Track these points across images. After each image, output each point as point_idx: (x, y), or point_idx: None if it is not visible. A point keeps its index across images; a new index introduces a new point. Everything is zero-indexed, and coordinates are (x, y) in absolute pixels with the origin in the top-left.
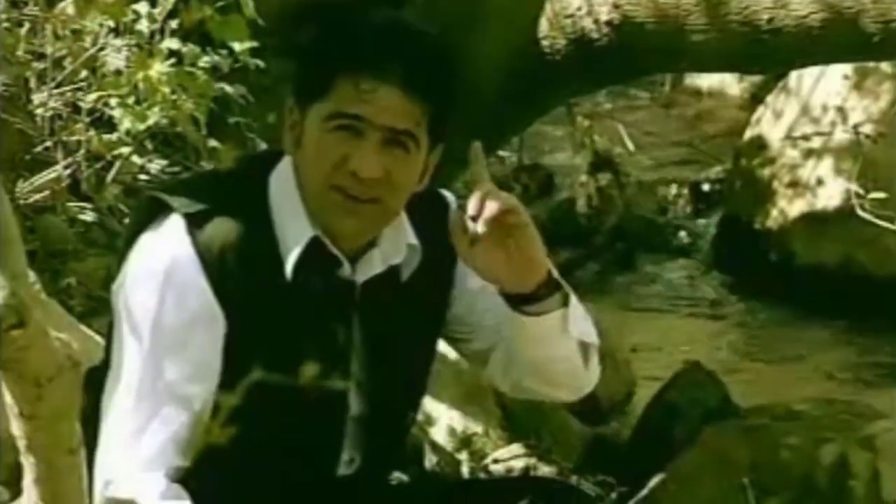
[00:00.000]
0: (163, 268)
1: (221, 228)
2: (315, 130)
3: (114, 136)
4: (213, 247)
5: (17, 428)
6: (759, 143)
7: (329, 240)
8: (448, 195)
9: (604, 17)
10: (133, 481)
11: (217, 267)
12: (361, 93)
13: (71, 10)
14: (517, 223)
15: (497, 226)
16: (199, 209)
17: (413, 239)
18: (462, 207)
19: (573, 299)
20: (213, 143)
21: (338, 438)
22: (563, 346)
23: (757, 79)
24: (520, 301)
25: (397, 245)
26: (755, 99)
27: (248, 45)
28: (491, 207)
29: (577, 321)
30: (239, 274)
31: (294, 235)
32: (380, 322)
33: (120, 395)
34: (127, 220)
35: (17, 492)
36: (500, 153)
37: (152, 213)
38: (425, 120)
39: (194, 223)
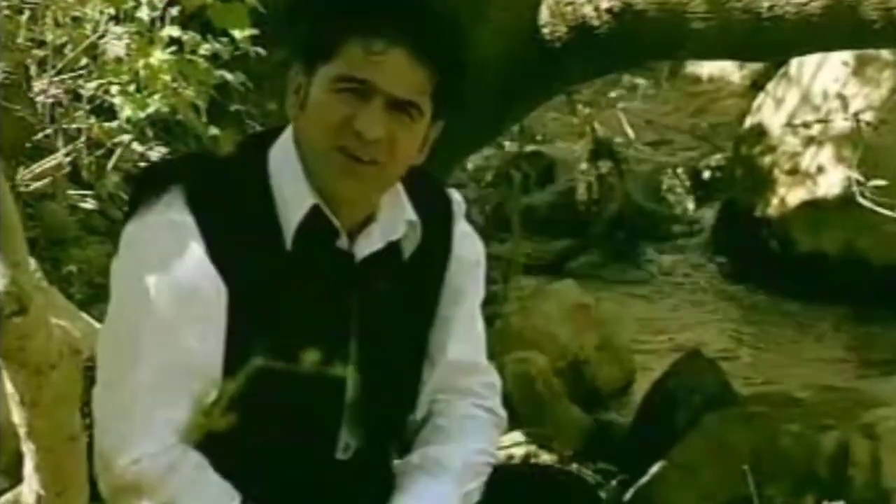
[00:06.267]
0: (164, 240)
1: (221, 200)
2: (321, 92)
3: (114, 124)
4: (213, 219)
5: (17, 416)
6: (760, 131)
7: (328, 209)
8: (454, 193)
9: (604, 5)
10: (164, 455)
11: (218, 239)
12: (370, 55)
13: None
14: None
15: None
16: (198, 182)
17: (413, 216)
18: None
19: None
20: (213, 130)
21: (335, 422)
22: None
23: (757, 66)
24: None
25: (396, 221)
26: (755, 86)
27: (248, 32)
28: None
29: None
30: (240, 246)
31: (295, 204)
32: (379, 302)
33: (124, 369)
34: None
35: (18, 479)
36: (501, 141)
37: (152, 187)
38: (430, 89)
39: (194, 196)
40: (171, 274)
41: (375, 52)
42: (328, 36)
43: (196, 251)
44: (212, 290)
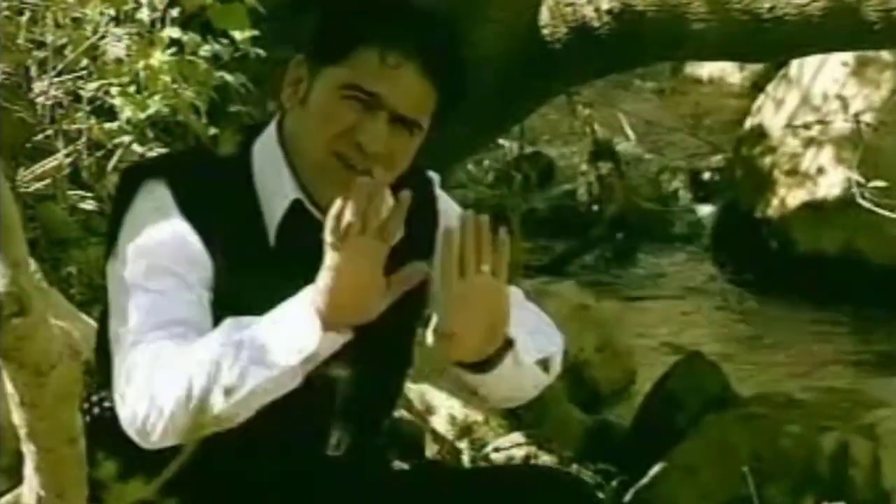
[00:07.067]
0: (151, 214)
1: (206, 196)
2: (325, 94)
3: (114, 125)
4: (198, 214)
5: (17, 416)
6: (760, 132)
7: (314, 202)
8: (432, 174)
9: (604, 6)
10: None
11: (203, 233)
12: (384, 67)
13: None
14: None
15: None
16: (182, 178)
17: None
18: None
19: (518, 332)
20: (213, 131)
21: (325, 417)
22: (522, 377)
23: (757, 67)
24: (474, 368)
25: None
26: (756, 87)
27: (248, 33)
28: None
29: (527, 349)
30: (224, 241)
31: (277, 199)
32: None
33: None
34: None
35: (18, 479)
36: (501, 142)
37: (137, 185)
38: (432, 107)
39: (179, 191)
40: (163, 237)
41: (389, 66)
42: (341, 39)
43: (187, 234)
44: (201, 257)
